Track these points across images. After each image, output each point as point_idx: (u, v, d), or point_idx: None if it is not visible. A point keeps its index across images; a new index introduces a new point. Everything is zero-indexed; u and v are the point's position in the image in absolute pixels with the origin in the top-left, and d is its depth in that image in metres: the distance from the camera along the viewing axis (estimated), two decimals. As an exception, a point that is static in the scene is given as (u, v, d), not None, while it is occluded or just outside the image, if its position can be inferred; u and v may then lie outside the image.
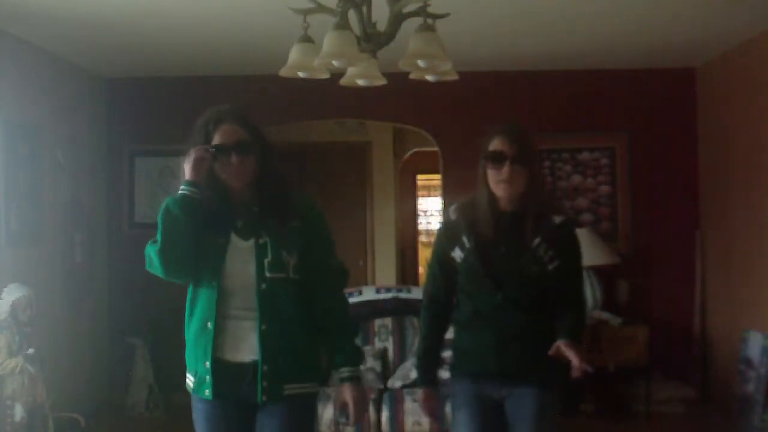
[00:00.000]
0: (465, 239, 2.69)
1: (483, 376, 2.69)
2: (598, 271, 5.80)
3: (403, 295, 5.09)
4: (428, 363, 2.83)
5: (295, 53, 2.99)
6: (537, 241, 2.62)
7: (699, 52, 5.76)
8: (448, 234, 2.76)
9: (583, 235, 5.77)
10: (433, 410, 2.84)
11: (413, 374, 4.60)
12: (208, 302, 2.45)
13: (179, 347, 6.59)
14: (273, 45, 4.30)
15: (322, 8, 2.95)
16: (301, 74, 3.06)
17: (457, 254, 2.71)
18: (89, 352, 5.90)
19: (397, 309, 5.01)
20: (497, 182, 2.63)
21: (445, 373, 2.89)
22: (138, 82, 6.30)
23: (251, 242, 2.45)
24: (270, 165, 2.51)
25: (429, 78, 3.08)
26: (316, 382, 2.55)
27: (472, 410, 2.71)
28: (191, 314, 2.52)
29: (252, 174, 2.47)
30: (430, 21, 2.78)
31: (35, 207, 5.10)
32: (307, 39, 2.99)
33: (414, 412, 4.31)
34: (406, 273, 9.66)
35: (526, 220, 2.63)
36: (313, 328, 2.52)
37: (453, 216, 2.77)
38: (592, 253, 5.72)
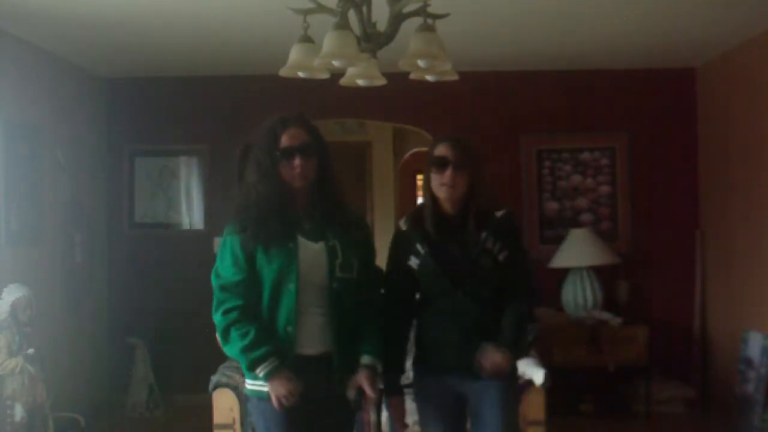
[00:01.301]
0: (419, 246, 2.82)
1: (446, 370, 2.81)
2: (598, 271, 5.80)
3: (403, 295, 5.08)
4: (394, 370, 2.90)
5: (295, 53, 2.99)
6: (484, 235, 2.78)
7: (699, 52, 5.76)
8: (401, 245, 2.89)
9: (583, 235, 5.83)
10: (402, 417, 2.94)
11: (413, 374, 4.60)
12: (286, 306, 2.59)
13: (179, 347, 6.56)
14: (273, 45, 4.30)
15: (322, 8, 2.95)
16: (301, 74, 3.07)
17: (414, 262, 2.82)
18: (89, 352, 5.90)
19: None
20: (439, 185, 2.79)
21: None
22: (138, 82, 6.30)
23: (321, 244, 2.64)
24: (329, 169, 2.70)
25: (429, 78, 3.09)
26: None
27: (437, 404, 2.85)
28: (271, 320, 2.61)
29: (313, 176, 2.65)
30: (430, 21, 2.79)
31: (35, 207, 5.10)
32: (307, 39, 2.99)
33: (414, 412, 4.29)
34: (406, 273, 9.64)
35: (470, 219, 2.80)
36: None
37: (404, 227, 2.91)
38: (592, 253, 5.73)
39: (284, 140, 2.62)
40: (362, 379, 2.64)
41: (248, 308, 2.60)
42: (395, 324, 2.88)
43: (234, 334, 2.58)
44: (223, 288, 2.63)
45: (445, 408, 2.84)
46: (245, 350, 2.56)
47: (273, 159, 2.61)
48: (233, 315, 2.59)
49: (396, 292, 2.90)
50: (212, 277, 2.66)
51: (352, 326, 2.66)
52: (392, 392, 2.92)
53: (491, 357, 2.71)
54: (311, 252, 2.63)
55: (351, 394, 2.64)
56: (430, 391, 2.87)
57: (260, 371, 2.55)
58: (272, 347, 2.56)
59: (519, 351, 2.87)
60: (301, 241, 2.63)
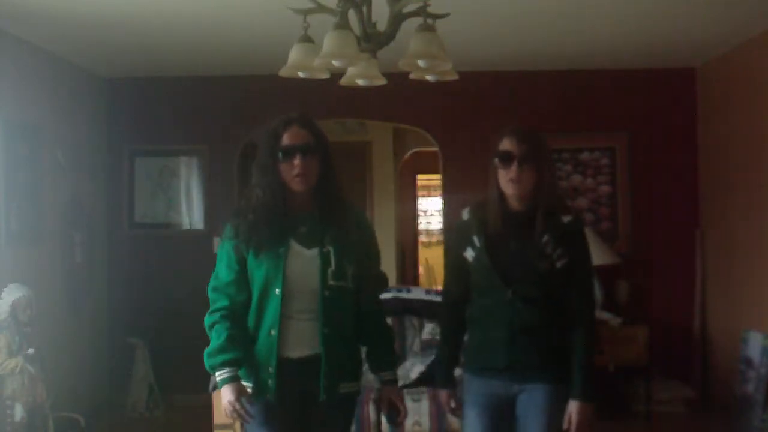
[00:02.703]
0: (476, 238, 2.74)
1: (493, 373, 2.74)
2: (598, 271, 5.79)
3: (403, 295, 5.08)
4: (448, 365, 2.89)
5: (295, 53, 2.99)
6: (545, 238, 2.68)
7: (699, 52, 5.76)
8: (460, 234, 2.82)
9: (583, 235, 5.83)
10: (456, 408, 2.89)
11: (413, 374, 4.60)
12: (272, 310, 2.57)
13: (179, 347, 6.56)
14: (273, 45, 4.30)
15: (322, 8, 2.95)
16: (301, 74, 3.07)
17: (469, 253, 2.76)
18: (89, 352, 5.90)
19: (397, 309, 5.00)
20: (506, 181, 2.69)
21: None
22: (138, 82, 6.30)
23: (315, 251, 2.59)
24: (331, 172, 2.65)
25: (429, 78, 3.09)
26: (360, 381, 2.74)
27: (482, 407, 2.77)
28: (257, 323, 2.60)
29: (314, 178, 2.60)
30: (430, 21, 2.79)
31: (35, 207, 5.10)
32: (307, 39, 2.99)
33: (414, 412, 4.30)
34: (406, 273, 9.67)
35: (535, 218, 2.69)
36: (359, 332, 2.70)
37: (465, 217, 2.82)
38: (592, 253, 5.72)
39: (285, 139, 2.58)
40: (393, 396, 2.69)
41: (233, 309, 2.60)
42: (450, 315, 2.87)
43: (212, 334, 2.61)
44: (215, 289, 2.65)
45: (489, 413, 2.76)
46: (210, 353, 2.58)
47: (274, 158, 2.58)
48: (216, 316, 2.61)
49: (452, 284, 2.86)
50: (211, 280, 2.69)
51: (345, 334, 2.63)
52: (446, 385, 2.88)
53: (575, 420, 2.72)
54: (302, 258, 2.58)
55: (384, 412, 2.68)
56: (476, 394, 2.80)
57: (217, 377, 2.56)
58: (235, 356, 2.56)
59: (594, 388, 2.79)
60: (294, 246, 2.59)
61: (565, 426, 2.72)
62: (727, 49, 5.58)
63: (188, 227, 6.34)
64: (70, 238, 5.65)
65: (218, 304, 2.63)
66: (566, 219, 2.74)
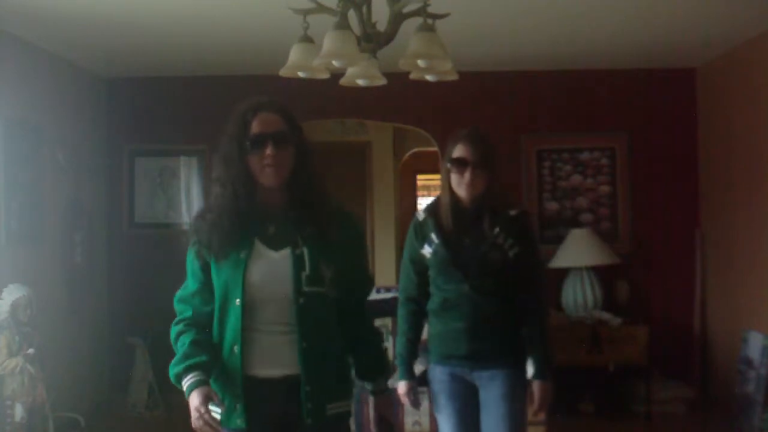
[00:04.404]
0: (433, 236, 2.93)
1: (455, 361, 2.92)
2: (598, 271, 5.80)
3: (403, 295, 5.08)
4: (409, 358, 3.04)
5: (295, 53, 3.00)
6: (496, 231, 2.87)
7: (699, 52, 5.76)
8: (417, 234, 3.01)
9: (583, 235, 5.83)
10: (415, 399, 3.04)
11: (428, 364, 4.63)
12: (232, 323, 2.26)
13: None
14: (273, 45, 4.30)
15: (322, 8, 2.96)
16: (301, 74, 3.08)
17: (427, 251, 2.95)
18: (89, 352, 5.90)
19: (397, 309, 5.00)
20: (459, 185, 2.88)
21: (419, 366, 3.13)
22: (138, 82, 6.30)
23: (286, 252, 2.26)
24: (307, 164, 2.32)
25: (429, 78, 3.10)
26: (351, 399, 2.42)
27: (450, 393, 2.95)
28: (219, 338, 2.31)
29: (288, 171, 2.28)
30: (430, 21, 2.79)
31: (35, 207, 5.10)
32: (307, 39, 3.00)
33: (414, 412, 4.31)
34: (406, 273, 9.63)
35: (485, 214, 2.89)
36: (345, 342, 2.39)
37: (421, 217, 3.02)
38: (592, 253, 5.73)
39: (255, 126, 2.26)
40: (383, 410, 2.41)
41: (197, 318, 2.33)
42: (408, 310, 3.02)
43: (177, 345, 2.31)
44: (180, 299, 2.42)
45: (456, 394, 2.93)
46: (174, 363, 2.25)
47: (241, 148, 2.25)
48: (180, 326, 2.34)
49: (409, 281, 3.02)
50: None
51: (329, 347, 2.30)
52: (407, 377, 3.01)
53: (537, 397, 2.89)
54: (268, 262, 2.26)
55: (374, 426, 2.44)
56: (442, 382, 2.96)
57: (184, 385, 2.21)
58: (200, 360, 2.23)
59: (550, 369, 2.94)
60: (258, 248, 2.27)
61: (536, 406, 2.92)
62: (727, 49, 5.58)
63: (188, 227, 6.33)
64: (70, 238, 5.65)
65: (182, 315, 2.37)
66: (513, 212, 2.93)
